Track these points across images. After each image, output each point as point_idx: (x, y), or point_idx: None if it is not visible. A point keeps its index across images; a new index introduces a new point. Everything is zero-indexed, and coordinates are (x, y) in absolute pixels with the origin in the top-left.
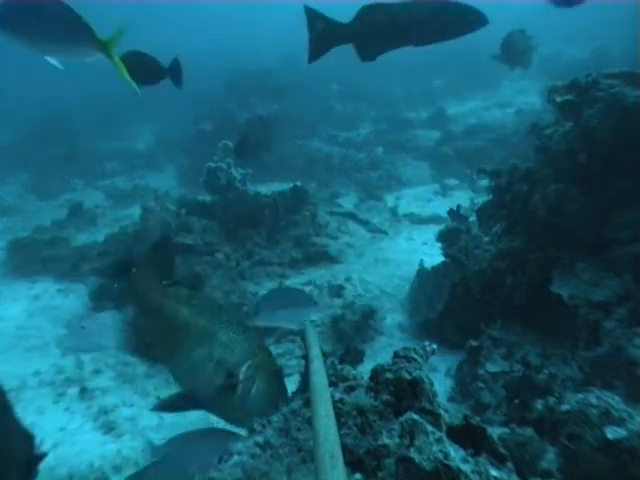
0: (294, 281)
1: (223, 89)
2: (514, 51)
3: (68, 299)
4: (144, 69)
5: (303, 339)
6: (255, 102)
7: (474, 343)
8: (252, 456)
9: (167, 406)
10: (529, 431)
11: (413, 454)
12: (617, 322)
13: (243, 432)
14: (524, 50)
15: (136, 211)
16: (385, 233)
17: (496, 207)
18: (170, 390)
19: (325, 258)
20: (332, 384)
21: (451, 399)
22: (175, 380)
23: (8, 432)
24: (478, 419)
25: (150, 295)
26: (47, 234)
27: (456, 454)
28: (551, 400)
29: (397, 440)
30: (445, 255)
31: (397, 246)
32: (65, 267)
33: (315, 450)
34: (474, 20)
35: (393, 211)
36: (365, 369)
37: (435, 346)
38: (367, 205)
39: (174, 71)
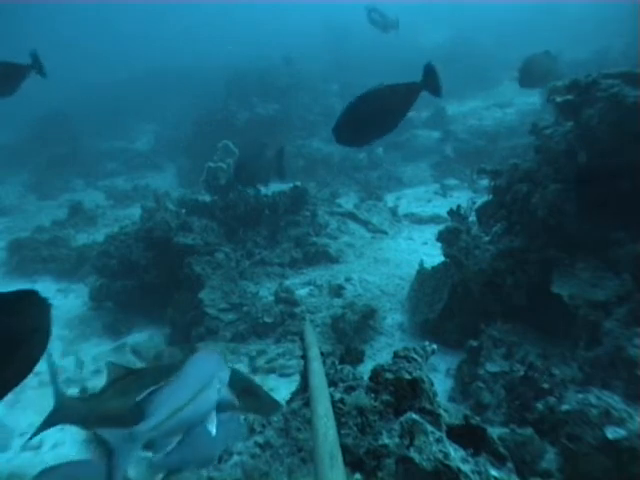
0: (294, 281)
1: (224, 89)
2: (532, 76)
3: (68, 299)
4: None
5: (302, 339)
6: (256, 102)
7: (474, 343)
8: (252, 456)
9: None
10: (529, 431)
11: (413, 454)
12: (617, 322)
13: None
14: (543, 74)
15: (136, 211)
16: (385, 233)
17: (496, 207)
18: None
19: (325, 258)
20: (332, 384)
21: (451, 399)
22: None
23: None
24: (478, 419)
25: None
26: (47, 234)
27: (456, 454)
28: (551, 400)
29: (397, 440)
30: (445, 255)
31: (397, 246)
32: (65, 267)
33: (314, 450)
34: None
35: (393, 211)
36: (365, 369)
37: (435, 346)
38: (367, 205)
39: (36, 64)
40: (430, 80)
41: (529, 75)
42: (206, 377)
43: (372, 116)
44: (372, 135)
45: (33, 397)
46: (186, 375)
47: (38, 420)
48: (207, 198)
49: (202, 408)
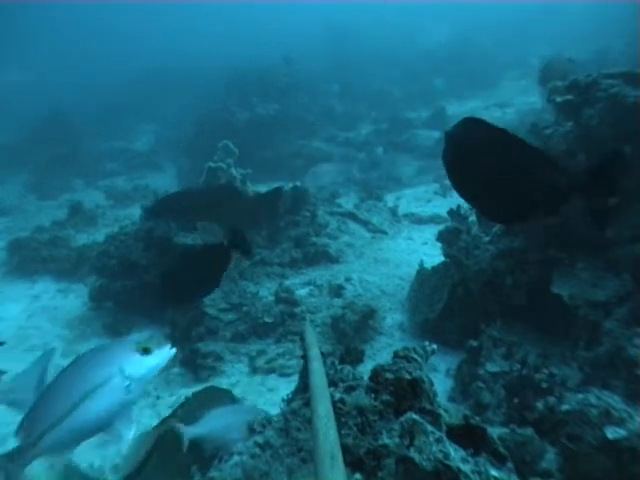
0: (294, 281)
1: (224, 89)
2: (552, 78)
3: (68, 299)
4: None
5: (302, 339)
6: (256, 102)
7: (474, 343)
8: (252, 456)
9: None
10: (529, 431)
11: (413, 454)
12: (617, 322)
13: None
14: (561, 78)
15: (136, 211)
16: (385, 233)
17: None
18: (170, 390)
19: (325, 258)
20: (332, 384)
21: (451, 399)
22: None
23: None
24: (478, 419)
25: None
26: (47, 234)
27: (456, 454)
28: (551, 400)
29: (397, 440)
30: (445, 255)
31: (397, 246)
32: (65, 267)
33: (315, 450)
34: None
35: (393, 211)
36: (365, 369)
37: (435, 346)
38: (367, 205)
39: None
40: (238, 242)
41: (547, 78)
42: (101, 373)
43: (188, 278)
44: (193, 294)
45: None
46: (75, 374)
47: None
48: None
49: (100, 408)
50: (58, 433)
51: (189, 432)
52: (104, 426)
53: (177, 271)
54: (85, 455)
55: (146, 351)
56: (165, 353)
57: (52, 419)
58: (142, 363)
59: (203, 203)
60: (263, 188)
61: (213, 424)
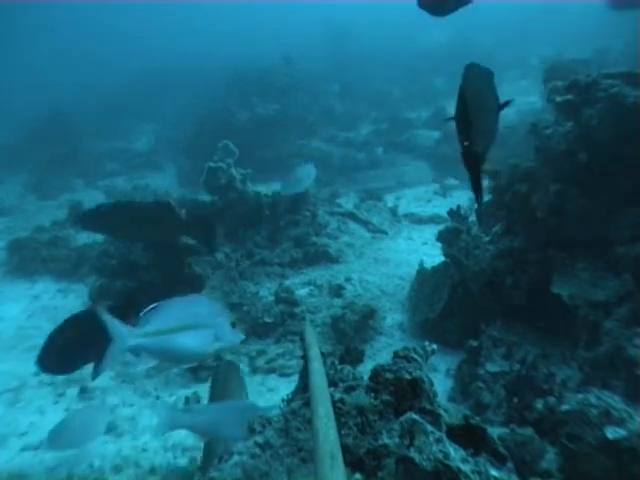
0: (294, 281)
1: (224, 89)
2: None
3: (68, 299)
4: None
5: (302, 339)
6: (256, 102)
7: (474, 343)
8: (252, 456)
9: None
10: (529, 431)
11: (413, 454)
12: (617, 322)
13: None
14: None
15: None
16: (385, 233)
17: (496, 207)
18: (170, 390)
19: (325, 258)
20: (332, 384)
21: (451, 399)
22: None
23: None
24: (478, 419)
25: None
26: (47, 234)
27: (456, 454)
28: (551, 400)
29: (397, 440)
30: (445, 255)
31: (397, 246)
32: (65, 267)
33: (315, 450)
34: None
35: (393, 211)
36: (365, 369)
37: (435, 346)
38: (367, 205)
39: None
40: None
41: (554, 78)
42: (204, 318)
43: (75, 347)
44: (81, 362)
45: (33, 397)
46: (187, 307)
47: (38, 420)
48: (207, 198)
49: (192, 342)
50: (158, 339)
51: (178, 420)
52: (186, 354)
53: (64, 341)
54: (85, 455)
55: (233, 325)
56: (240, 336)
57: (159, 326)
58: (228, 333)
59: (137, 218)
60: (263, 188)
61: (203, 418)
